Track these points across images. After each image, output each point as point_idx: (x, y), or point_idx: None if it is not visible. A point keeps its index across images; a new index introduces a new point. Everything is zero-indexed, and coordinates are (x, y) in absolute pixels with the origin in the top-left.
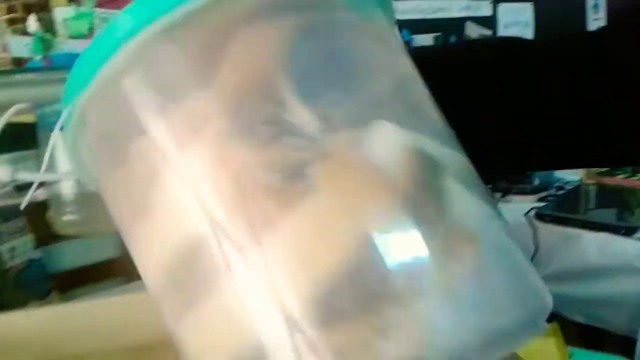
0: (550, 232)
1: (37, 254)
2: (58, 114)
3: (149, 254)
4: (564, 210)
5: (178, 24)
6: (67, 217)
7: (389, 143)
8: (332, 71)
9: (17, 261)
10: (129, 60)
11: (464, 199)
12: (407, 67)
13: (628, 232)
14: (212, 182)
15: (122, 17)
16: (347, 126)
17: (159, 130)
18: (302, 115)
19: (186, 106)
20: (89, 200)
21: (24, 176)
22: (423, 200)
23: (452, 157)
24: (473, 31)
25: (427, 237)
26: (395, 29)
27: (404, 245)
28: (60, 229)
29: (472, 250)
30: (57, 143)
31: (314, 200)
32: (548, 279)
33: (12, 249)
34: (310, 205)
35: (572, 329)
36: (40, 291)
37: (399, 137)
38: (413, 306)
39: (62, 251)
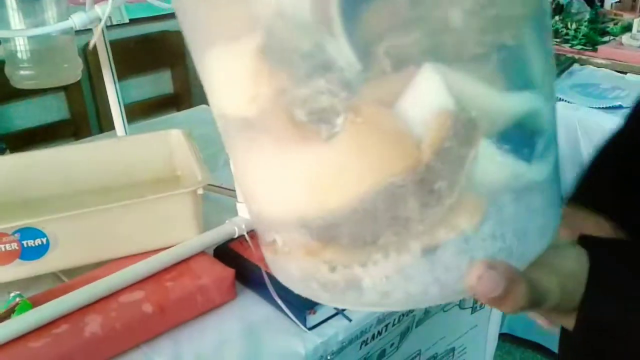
0: None
1: None
2: None
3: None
4: None
5: None
6: (23, 72)
7: (425, 102)
8: None
9: None
10: None
11: (490, 164)
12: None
13: None
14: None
15: None
16: (392, 68)
17: None
18: (344, 51)
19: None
20: (43, 56)
21: None
22: (441, 169)
23: (504, 110)
24: None
25: (428, 206)
26: None
27: (400, 209)
28: (17, 83)
29: (476, 218)
30: (10, 2)
31: (334, 148)
32: None
33: None
34: (329, 150)
35: None
36: None
37: (440, 94)
38: (392, 258)
39: (12, 112)
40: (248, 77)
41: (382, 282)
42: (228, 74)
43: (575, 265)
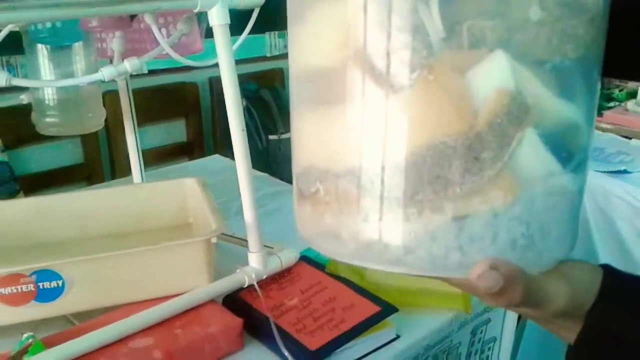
0: None
1: (4, 157)
2: (45, 31)
3: (308, 50)
4: None
5: None
6: (49, 119)
7: (491, 78)
8: None
9: None
10: None
11: (532, 152)
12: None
13: None
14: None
15: None
16: (469, 44)
17: None
18: (435, 19)
19: None
20: (70, 104)
21: (19, 82)
22: (489, 140)
23: (553, 111)
24: None
25: (470, 173)
26: None
27: (445, 169)
28: (42, 130)
29: (509, 197)
30: (42, 53)
31: (401, 101)
32: None
33: None
34: (396, 102)
35: None
36: (8, 191)
37: (504, 75)
38: (426, 215)
39: (28, 155)
40: (345, 27)
41: (410, 238)
42: (327, 24)
43: (589, 276)
